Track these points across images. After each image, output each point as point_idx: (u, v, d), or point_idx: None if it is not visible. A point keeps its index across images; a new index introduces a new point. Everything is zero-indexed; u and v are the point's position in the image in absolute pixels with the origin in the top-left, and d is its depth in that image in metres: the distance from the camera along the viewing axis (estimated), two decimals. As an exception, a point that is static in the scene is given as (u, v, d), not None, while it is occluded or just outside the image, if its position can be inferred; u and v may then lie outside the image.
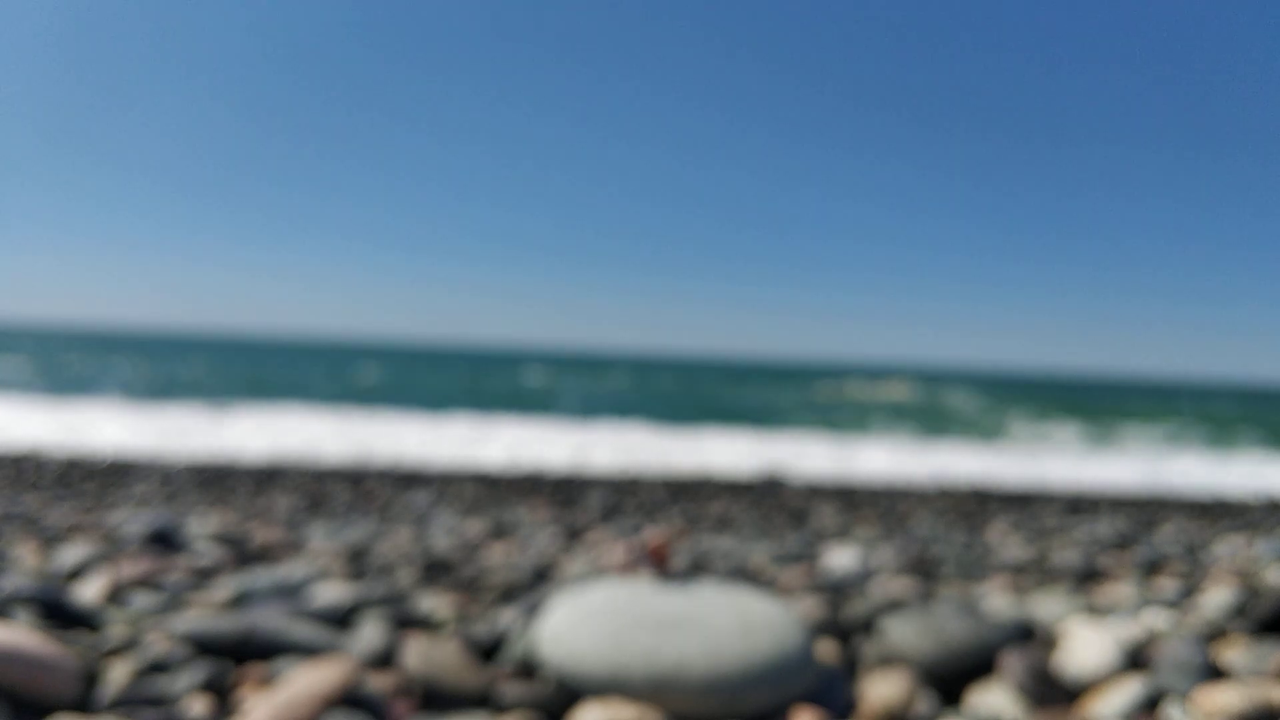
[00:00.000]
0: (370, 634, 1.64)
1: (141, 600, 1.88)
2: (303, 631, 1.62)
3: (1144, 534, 4.56)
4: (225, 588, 2.00)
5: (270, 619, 1.64)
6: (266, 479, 6.52)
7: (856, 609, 1.92)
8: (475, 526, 4.10)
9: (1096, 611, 2.03)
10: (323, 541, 3.18)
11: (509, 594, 2.19)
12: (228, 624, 1.59)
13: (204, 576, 2.21)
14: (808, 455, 10.95)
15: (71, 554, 2.31)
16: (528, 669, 1.59)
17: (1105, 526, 4.92)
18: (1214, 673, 1.55)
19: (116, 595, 1.93)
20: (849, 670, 1.69)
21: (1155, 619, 1.92)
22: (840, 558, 2.97)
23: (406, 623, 1.80)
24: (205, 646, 1.54)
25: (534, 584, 2.32)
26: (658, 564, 1.88)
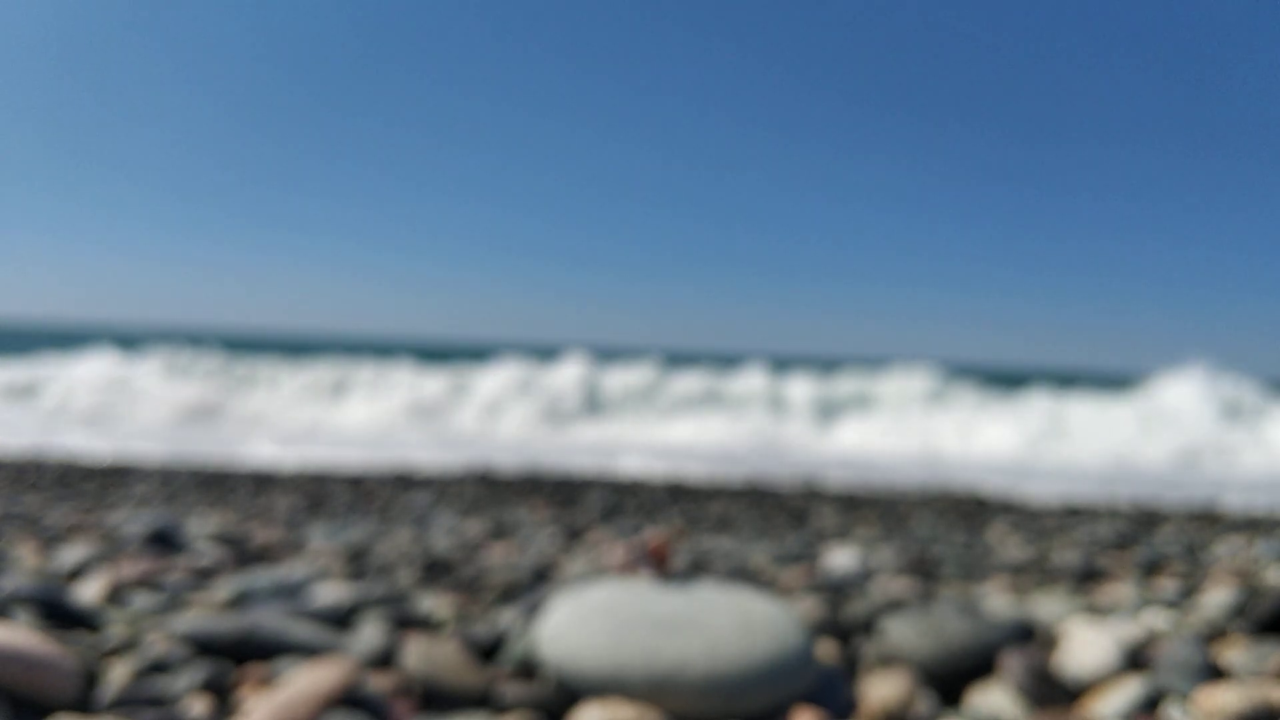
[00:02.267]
0: (370, 634, 1.64)
1: (141, 600, 1.89)
2: (303, 631, 1.62)
3: (1144, 534, 4.56)
4: (225, 588, 2.00)
5: (270, 619, 1.64)
6: (266, 479, 6.52)
7: (856, 609, 1.92)
8: (475, 526, 4.10)
9: (1096, 611, 2.04)
10: (323, 541, 3.18)
11: (509, 594, 2.19)
12: (228, 624, 1.59)
13: (204, 576, 2.21)
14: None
15: (71, 554, 2.31)
16: (528, 669, 1.59)
17: (1105, 526, 4.92)
18: (1214, 673, 1.55)
19: (116, 595, 1.93)
20: (849, 670, 1.69)
21: (1155, 619, 1.92)
22: (840, 558, 2.97)
23: (406, 623, 1.80)
24: (205, 646, 1.54)
25: (534, 584, 2.32)
26: (658, 564, 1.88)
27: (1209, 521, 5.61)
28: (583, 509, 5.42)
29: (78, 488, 5.59)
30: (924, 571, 2.83)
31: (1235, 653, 1.63)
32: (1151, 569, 2.94)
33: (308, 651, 1.57)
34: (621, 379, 16.08)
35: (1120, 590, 2.39)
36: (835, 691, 1.57)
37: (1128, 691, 1.50)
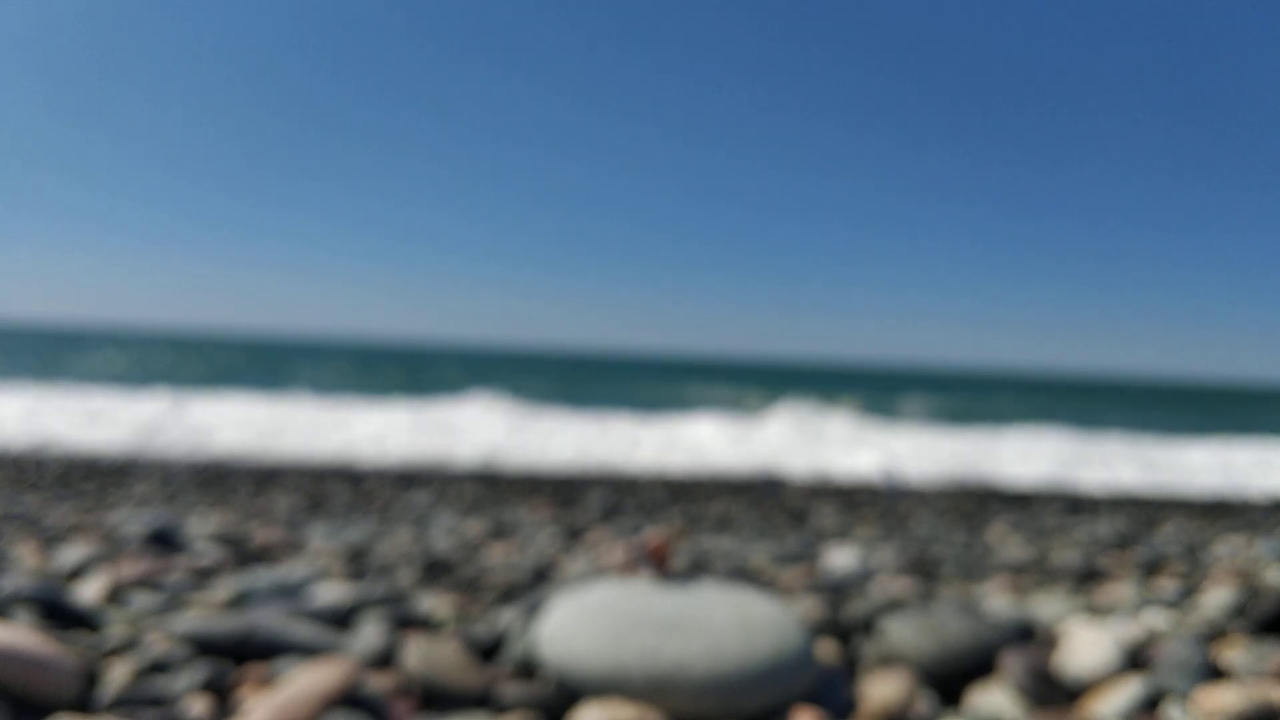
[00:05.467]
0: (370, 634, 1.64)
1: (141, 600, 1.89)
2: (303, 631, 1.62)
3: (1144, 534, 4.56)
4: (225, 588, 2.00)
5: (270, 619, 1.64)
6: (266, 479, 6.52)
7: (856, 609, 1.92)
8: (475, 526, 4.10)
9: (1096, 611, 2.03)
10: (323, 541, 3.18)
11: (509, 594, 2.19)
12: (228, 624, 1.59)
13: (204, 576, 2.21)
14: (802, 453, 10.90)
15: (71, 554, 2.31)
16: (528, 669, 1.59)
17: (1105, 526, 4.92)
18: (1214, 673, 1.55)
19: (116, 595, 1.93)
20: (849, 670, 1.69)
21: (1155, 619, 1.92)
22: (840, 558, 2.97)
23: (406, 623, 1.80)
24: (205, 646, 1.54)
25: (534, 584, 2.32)
26: (658, 564, 1.88)
27: (1210, 520, 5.61)
28: (583, 509, 5.42)
29: (78, 488, 5.59)
30: (924, 571, 2.83)
31: (1235, 653, 1.63)
32: (1151, 569, 2.94)
33: (308, 651, 1.57)
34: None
35: (1120, 590, 2.39)
36: (835, 691, 1.57)
37: (1128, 691, 1.50)
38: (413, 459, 8.71)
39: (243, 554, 2.66)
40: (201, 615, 1.72)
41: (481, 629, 1.73)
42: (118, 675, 1.42)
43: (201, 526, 3.31)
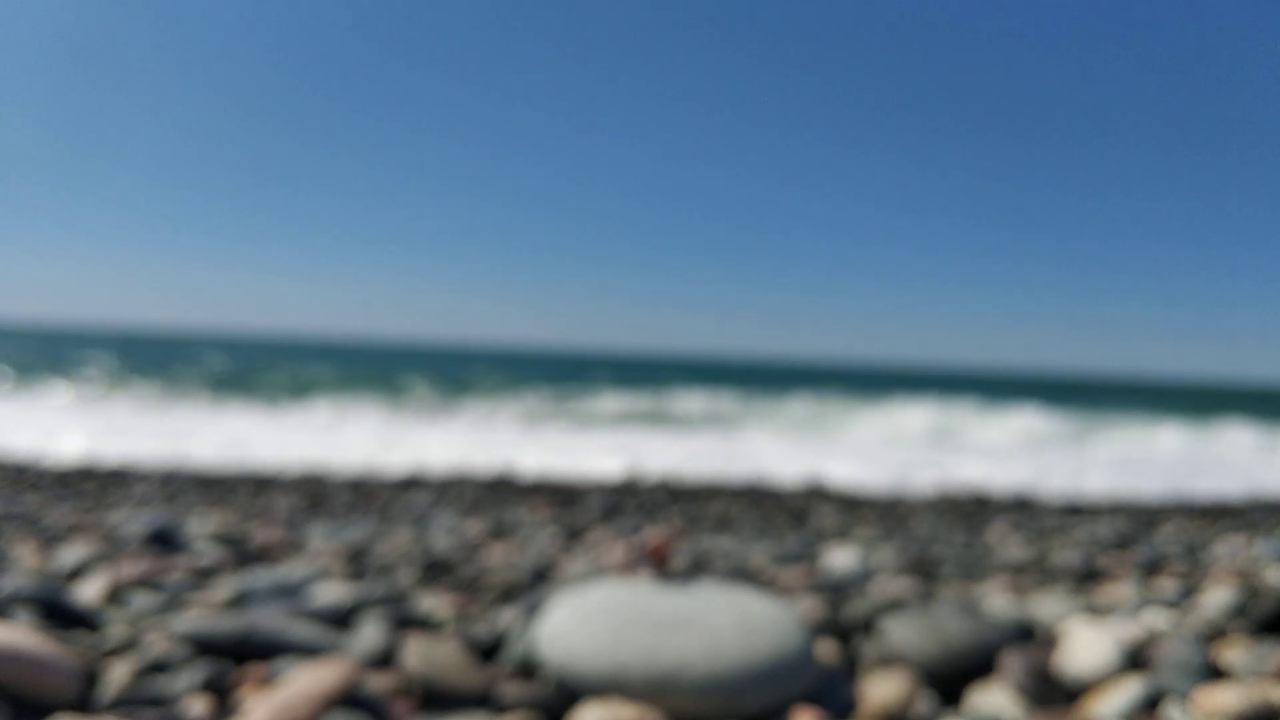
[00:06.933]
0: (370, 634, 1.64)
1: (141, 600, 1.89)
2: (303, 631, 1.62)
3: (1144, 534, 4.56)
4: (225, 588, 2.00)
5: (270, 619, 1.64)
6: (266, 480, 6.52)
7: (856, 609, 1.92)
8: (475, 526, 4.10)
9: (1096, 611, 2.03)
10: (323, 541, 3.18)
11: (509, 594, 2.19)
12: (228, 624, 1.59)
13: (204, 576, 2.21)
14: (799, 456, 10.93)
15: (71, 554, 2.31)
16: (528, 669, 1.59)
17: (1105, 526, 4.92)
18: (1214, 673, 1.55)
19: (116, 595, 1.93)
20: (849, 670, 1.69)
21: (1155, 619, 1.92)
22: (840, 558, 2.97)
23: (406, 623, 1.80)
24: (205, 646, 1.54)
25: (534, 584, 2.32)
26: (658, 564, 1.88)
27: (1210, 520, 5.60)
28: (583, 509, 5.42)
29: (78, 488, 5.59)
30: (924, 571, 2.83)
31: (1235, 653, 1.63)
32: (1151, 569, 2.93)
33: (308, 651, 1.57)
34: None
35: (1120, 590, 2.39)
36: (835, 691, 1.57)
37: (1128, 691, 1.50)
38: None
39: (243, 554, 2.66)
40: (201, 615, 1.72)
41: (481, 629, 1.73)
42: (118, 675, 1.42)
43: (201, 526, 3.31)
